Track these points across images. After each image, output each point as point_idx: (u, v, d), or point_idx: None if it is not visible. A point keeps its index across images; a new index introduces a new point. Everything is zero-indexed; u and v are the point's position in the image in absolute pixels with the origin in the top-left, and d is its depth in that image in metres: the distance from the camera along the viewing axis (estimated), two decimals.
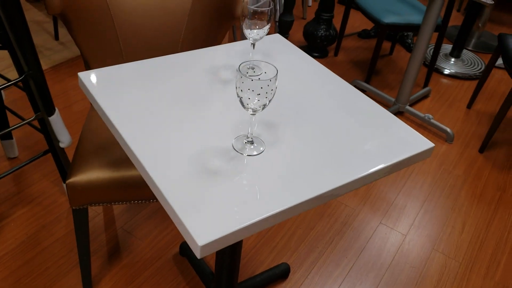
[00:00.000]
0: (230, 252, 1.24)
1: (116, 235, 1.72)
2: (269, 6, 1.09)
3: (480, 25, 3.50)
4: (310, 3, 3.75)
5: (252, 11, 1.08)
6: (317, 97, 1.15)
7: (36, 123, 2.13)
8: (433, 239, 1.86)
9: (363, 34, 3.36)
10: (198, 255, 0.78)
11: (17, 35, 1.35)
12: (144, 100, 1.06)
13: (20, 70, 1.43)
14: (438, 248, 1.83)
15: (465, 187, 2.15)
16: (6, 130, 1.45)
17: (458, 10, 4.06)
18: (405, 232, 1.88)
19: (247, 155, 0.95)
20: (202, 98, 1.09)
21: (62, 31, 2.90)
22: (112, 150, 1.33)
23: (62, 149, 1.65)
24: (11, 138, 1.90)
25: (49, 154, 1.99)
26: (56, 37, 2.80)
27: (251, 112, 0.92)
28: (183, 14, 1.48)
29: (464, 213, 2.01)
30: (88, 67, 1.47)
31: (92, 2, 1.37)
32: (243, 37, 2.78)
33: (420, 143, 1.04)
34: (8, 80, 1.43)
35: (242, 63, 0.88)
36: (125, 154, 1.33)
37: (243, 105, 0.90)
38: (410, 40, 3.29)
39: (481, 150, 2.38)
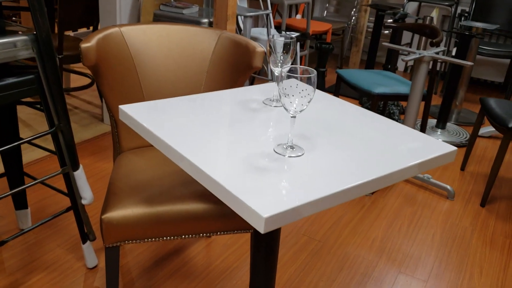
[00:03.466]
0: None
1: None
2: (291, 39, 1.23)
3: (457, 103, 3.78)
4: None
5: (278, 44, 1.21)
6: (342, 118, 1.25)
7: (54, 184, 2.15)
8: (455, 284, 1.85)
9: None
10: (261, 229, 0.81)
11: (51, 92, 1.45)
12: (185, 122, 1.13)
13: (51, 124, 1.50)
14: None
15: (474, 236, 2.18)
16: (21, 188, 1.48)
17: (435, 93, 4.38)
18: (425, 279, 1.87)
19: (288, 156, 1.01)
20: (238, 120, 1.18)
21: None
22: (145, 189, 1.37)
23: (83, 206, 1.66)
24: (26, 207, 1.91)
25: (64, 224, 1.99)
26: None
27: (292, 114, 1.00)
28: (202, 68, 1.62)
29: (479, 259, 2.02)
30: (112, 116, 1.56)
31: (120, 55, 1.50)
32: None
33: (444, 147, 1.13)
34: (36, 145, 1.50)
35: (285, 67, 0.99)
36: (158, 191, 1.37)
37: (285, 108, 0.99)
38: (397, 117, 3.51)
39: (482, 205, 2.45)
